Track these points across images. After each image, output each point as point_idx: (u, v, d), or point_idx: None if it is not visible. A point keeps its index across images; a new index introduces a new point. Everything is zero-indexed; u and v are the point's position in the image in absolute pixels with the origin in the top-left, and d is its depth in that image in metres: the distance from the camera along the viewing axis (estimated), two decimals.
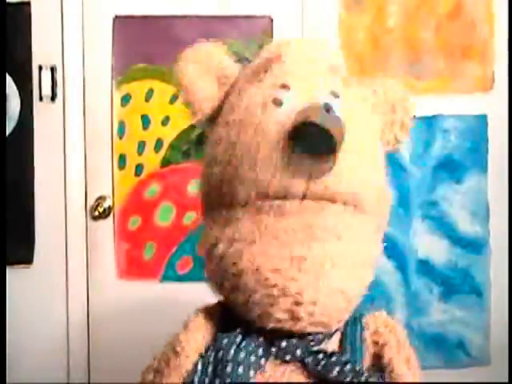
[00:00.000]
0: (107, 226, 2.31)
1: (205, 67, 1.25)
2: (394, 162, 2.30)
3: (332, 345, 1.20)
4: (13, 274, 2.17)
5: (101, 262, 2.31)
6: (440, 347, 2.33)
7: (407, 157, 2.32)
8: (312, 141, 1.02)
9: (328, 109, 1.04)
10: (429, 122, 2.32)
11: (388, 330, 1.23)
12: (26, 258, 2.28)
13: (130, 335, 2.27)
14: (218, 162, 1.15)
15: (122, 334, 2.28)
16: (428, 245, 2.33)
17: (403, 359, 1.21)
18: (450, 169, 2.33)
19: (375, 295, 2.31)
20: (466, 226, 2.34)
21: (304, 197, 1.07)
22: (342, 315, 1.17)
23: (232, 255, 1.12)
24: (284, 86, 1.13)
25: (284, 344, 1.14)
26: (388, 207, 1.24)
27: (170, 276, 2.31)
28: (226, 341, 1.14)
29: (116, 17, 2.29)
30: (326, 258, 1.09)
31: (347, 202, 1.11)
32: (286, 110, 1.09)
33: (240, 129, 1.12)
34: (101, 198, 2.30)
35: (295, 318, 1.10)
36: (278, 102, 1.11)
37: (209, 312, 1.23)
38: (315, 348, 1.16)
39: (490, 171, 2.33)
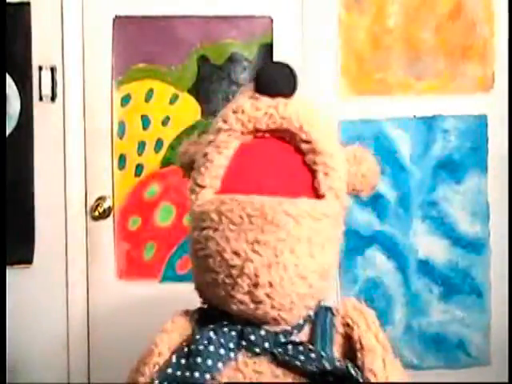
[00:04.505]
0: (107, 226, 2.31)
1: None
2: (394, 163, 2.31)
3: (303, 336, 1.26)
4: (13, 274, 2.17)
5: (101, 262, 2.31)
6: (440, 347, 2.33)
7: (407, 157, 2.32)
8: (274, 81, 1.25)
9: None
10: (429, 122, 2.32)
11: (357, 312, 1.29)
12: (26, 258, 2.28)
13: (129, 335, 2.27)
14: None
15: (121, 333, 2.28)
16: (428, 245, 2.33)
17: (372, 335, 1.25)
18: (449, 169, 2.33)
19: (375, 295, 2.32)
20: (466, 226, 2.34)
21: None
22: (305, 300, 1.22)
23: (201, 241, 1.23)
24: None
25: (253, 337, 1.22)
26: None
27: (170, 276, 2.31)
28: (198, 335, 1.22)
29: (116, 17, 2.29)
30: (281, 242, 1.18)
31: None
32: None
33: None
34: (101, 198, 2.30)
35: (255, 300, 1.18)
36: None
37: (188, 314, 1.32)
38: (283, 340, 1.22)
39: (489, 171, 2.33)
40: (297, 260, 1.18)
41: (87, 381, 2.30)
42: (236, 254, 1.18)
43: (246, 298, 1.18)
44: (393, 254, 2.31)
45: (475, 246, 2.34)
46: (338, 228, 1.29)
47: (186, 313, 1.33)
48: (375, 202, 2.28)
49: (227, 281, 1.19)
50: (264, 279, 1.17)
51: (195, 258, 1.27)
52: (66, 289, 2.29)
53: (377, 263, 2.29)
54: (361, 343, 1.24)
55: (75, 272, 2.29)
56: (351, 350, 1.26)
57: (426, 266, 2.33)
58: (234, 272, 1.18)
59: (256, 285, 1.17)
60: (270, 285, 1.17)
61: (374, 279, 2.28)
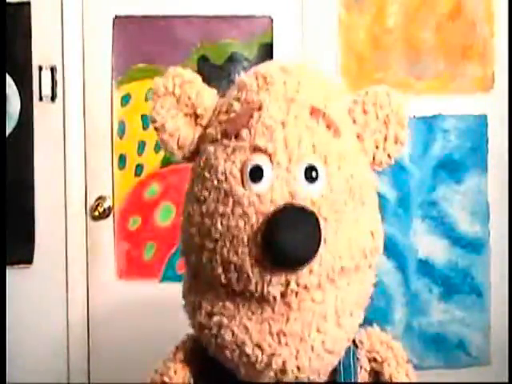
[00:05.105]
0: (107, 226, 2.31)
1: (176, 104, 1.18)
2: (393, 162, 2.30)
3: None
4: (13, 274, 2.16)
5: (101, 262, 2.31)
6: (440, 347, 2.33)
7: (407, 157, 2.32)
8: (282, 254, 1.01)
9: (310, 177, 1.06)
10: (429, 122, 2.32)
11: (384, 346, 1.23)
12: (26, 258, 2.28)
13: (129, 335, 2.27)
14: (195, 239, 1.12)
15: (121, 334, 2.28)
16: (428, 245, 2.33)
17: (403, 372, 1.21)
18: (449, 169, 2.33)
19: (375, 295, 2.32)
20: (466, 226, 2.34)
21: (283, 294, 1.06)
22: (332, 365, 1.16)
23: (212, 328, 1.11)
24: (260, 150, 1.07)
25: None
26: (377, 256, 1.23)
27: (170, 276, 2.31)
28: None
29: (116, 17, 2.29)
30: (306, 326, 1.07)
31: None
32: (265, 189, 1.06)
33: (216, 207, 1.08)
34: (101, 198, 2.30)
35: (283, 381, 1.10)
36: (256, 176, 1.07)
37: (184, 361, 1.23)
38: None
39: (489, 171, 2.33)
40: (324, 337, 1.09)
41: (87, 381, 2.30)
42: (259, 347, 1.08)
43: (273, 380, 1.11)
44: (393, 254, 2.31)
45: (475, 246, 2.34)
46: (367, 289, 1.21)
47: (182, 360, 1.23)
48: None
49: (251, 373, 1.11)
50: (292, 367, 1.08)
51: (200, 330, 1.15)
52: (66, 289, 2.28)
53: (377, 263, 2.29)
54: (391, 381, 1.19)
55: (75, 272, 2.29)
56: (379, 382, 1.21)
57: (425, 266, 2.33)
58: (259, 367, 1.09)
59: (283, 372, 1.09)
60: (299, 369, 1.09)
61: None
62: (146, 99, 2.30)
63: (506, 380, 2.21)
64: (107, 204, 2.30)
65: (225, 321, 1.09)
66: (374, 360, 1.22)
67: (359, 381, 1.20)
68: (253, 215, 1.04)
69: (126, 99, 2.30)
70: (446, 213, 2.34)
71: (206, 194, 1.10)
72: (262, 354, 1.07)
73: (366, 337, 1.23)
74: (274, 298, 1.06)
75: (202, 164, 1.13)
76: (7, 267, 1.94)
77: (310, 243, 1.02)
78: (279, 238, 1.00)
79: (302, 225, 1.02)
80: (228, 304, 1.09)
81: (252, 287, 1.05)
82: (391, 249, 2.31)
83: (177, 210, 2.30)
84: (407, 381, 1.19)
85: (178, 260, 2.31)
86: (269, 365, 1.07)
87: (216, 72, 2.29)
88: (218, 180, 1.08)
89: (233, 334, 1.08)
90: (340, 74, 2.30)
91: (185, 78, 1.20)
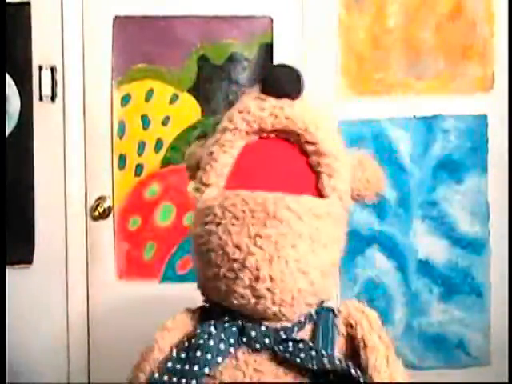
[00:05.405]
0: (107, 226, 2.31)
1: None
2: (394, 162, 2.31)
3: (304, 334, 1.27)
4: (13, 274, 2.17)
5: (101, 262, 2.31)
6: (440, 347, 2.33)
7: (407, 157, 2.32)
8: (275, 82, 1.27)
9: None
10: (429, 122, 2.32)
11: (359, 313, 1.29)
12: (26, 258, 2.28)
13: (129, 335, 2.27)
14: None
15: (121, 333, 2.28)
16: (428, 245, 2.33)
17: (376, 334, 1.26)
18: (449, 169, 2.33)
19: (375, 295, 2.32)
20: (466, 226, 2.34)
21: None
22: (306, 297, 1.23)
23: (204, 235, 1.24)
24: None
25: (253, 333, 1.23)
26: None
27: (170, 276, 2.31)
28: (199, 330, 1.24)
29: (116, 17, 2.28)
30: (283, 237, 1.19)
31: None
32: None
33: None
34: (101, 198, 2.30)
35: (256, 294, 1.19)
36: None
37: (189, 312, 1.34)
38: (284, 336, 1.23)
39: (489, 171, 2.33)
40: (298, 255, 1.19)
41: (87, 381, 2.30)
42: (238, 247, 1.19)
43: (247, 292, 1.19)
44: (393, 254, 2.31)
45: (475, 246, 2.34)
46: (340, 229, 1.29)
47: (188, 311, 1.35)
48: (375, 202, 2.28)
49: (228, 275, 1.20)
50: (265, 273, 1.18)
51: (197, 254, 1.28)
52: (66, 289, 2.29)
53: (377, 263, 2.29)
54: (364, 342, 1.25)
55: (75, 272, 2.29)
56: (353, 350, 1.26)
57: (425, 266, 2.33)
58: (236, 266, 1.19)
59: (257, 279, 1.18)
60: (271, 279, 1.18)
61: (374, 279, 2.28)
62: (146, 99, 2.30)
63: (506, 380, 2.21)
64: (107, 204, 2.30)
65: (213, 228, 1.22)
66: (350, 325, 1.28)
67: (337, 346, 1.27)
68: None
69: (125, 99, 2.30)
70: (446, 213, 2.34)
71: None
72: (240, 253, 1.19)
73: (343, 306, 1.32)
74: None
75: None
76: (7, 267, 1.94)
77: (295, 79, 1.28)
78: (273, 72, 1.30)
79: (290, 68, 1.28)
80: (216, 211, 1.23)
81: None
82: (391, 249, 2.31)
83: (177, 210, 2.30)
84: (380, 343, 1.24)
85: (178, 260, 2.31)
86: (244, 265, 1.18)
87: (216, 72, 2.29)
88: None
89: (219, 238, 1.21)
90: (340, 74, 2.30)
91: None
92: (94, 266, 2.30)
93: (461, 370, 2.32)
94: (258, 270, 1.18)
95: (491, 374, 2.30)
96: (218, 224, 1.22)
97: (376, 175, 1.36)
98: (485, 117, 2.33)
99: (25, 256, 2.27)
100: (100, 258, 2.31)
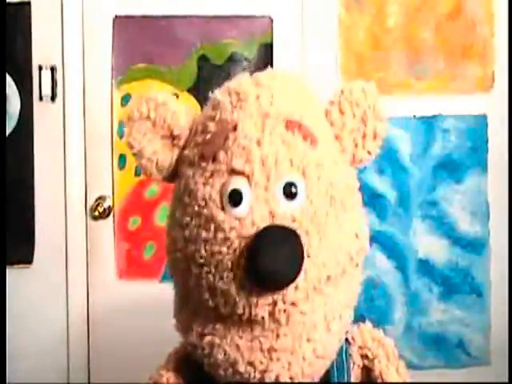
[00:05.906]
0: (107, 226, 2.31)
1: (152, 128, 1.17)
2: (394, 162, 2.31)
3: None
4: (13, 274, 2.17)
5: (101, 262, 2.31)
6: (440, 347, 2.33)
7: (407, 157, 2.32)
8: (265, 277, 1.01)
9: (290, 193, 1.05)
10: (429, 122, 2.32)
11: (376, 343, 1.23)
12: (26, 258, 2.28)
13: (129, 335, 2.27)
14: (180, 264, 1.16)
15: (121, 334, 2.28)
16: (428, 245, 2.33)
17: (394, 369, 1.21)
18: (449, 169, 2.33)
19: (375, 295, 2.32)
20: (466, 226, 2.34)
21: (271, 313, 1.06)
22: (325, 367, 1.16)
23: (205, 347, 1.11)
24: (237, 172, 1.07)
25: None
26: (363, 255, 1.18)
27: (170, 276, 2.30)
28: None
29: (116, 17, 2.29)
30: (296, 339, 1.07)
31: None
32: (245, 212, 1.05)
33: (198, 233, 1.09)
34: (101, 198, 2.30)
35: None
36: (235, 200, 1.06)
37: (176, 370, 1.24)
38: None
39: (489, 171, 2.33)
40: (315, 345, 1.09)
41: (87, 381, 2.30)
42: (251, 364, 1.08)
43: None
44: (393, 254, 2.31)
45: (475, 246, 2.34)
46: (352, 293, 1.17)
47: (176, 368, 1.24)
48: (375, 202, 2.29)
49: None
50: (285, 378, 1.08)
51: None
52: (65, 289, 2.29)
53: (377, 263, 2.29)
54: (382, 377, 1.20)
55: (75, 272, 2.29)
56: (368, 380, 1.22)
57: (425, 266, 2.33)
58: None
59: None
60: (292, 378, 1.09)
61: (374, 279, 2.28)
62: None
63: (506, 380, 2.21)
64: (107, 204, 2.30)
65: (216, 340, 1.09)
66: (366, 357, 1.22)
67: (352, 377, 1.21)
68: (235, 240, 1.04)
69: (126, 99, 2.30)
70: (446, 213, 2.34)
71: (187, 219, 1.10)
72: (255, 371, 1.07)
73: (358, 333, 1.24)
74: (263, 317, 1.05)
75: (181, 188, 1.13)
76: (7, 267, 1.94)
77: (293, 263, 1.02)
78: (261, 262, 1.00)
79: (283, 245, 1.01)
80: (218, 325, 1.09)
81: (240, 310, 1.06)
82: (391, 249, 2.31)
83: None
84: (398, 377, 1.20)
85: None
86: (262, 380, 1.08)
87: (216, 72, 2.29)
88: (199, 205, 1.08)
89: (225, 353, 1.08)
90: (340, 74, 2.30)
91: (159, 101, 1.17)
92: (93, 266, 2.30)
93: (461, 370, 2.32)
94: (277, 379, 1.08)
95: (491, 374, 2.30)
96: None
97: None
98: (485, 117, 2.33)
99: (25, 256, 2.27)
100: (100, 258, 2.31)
